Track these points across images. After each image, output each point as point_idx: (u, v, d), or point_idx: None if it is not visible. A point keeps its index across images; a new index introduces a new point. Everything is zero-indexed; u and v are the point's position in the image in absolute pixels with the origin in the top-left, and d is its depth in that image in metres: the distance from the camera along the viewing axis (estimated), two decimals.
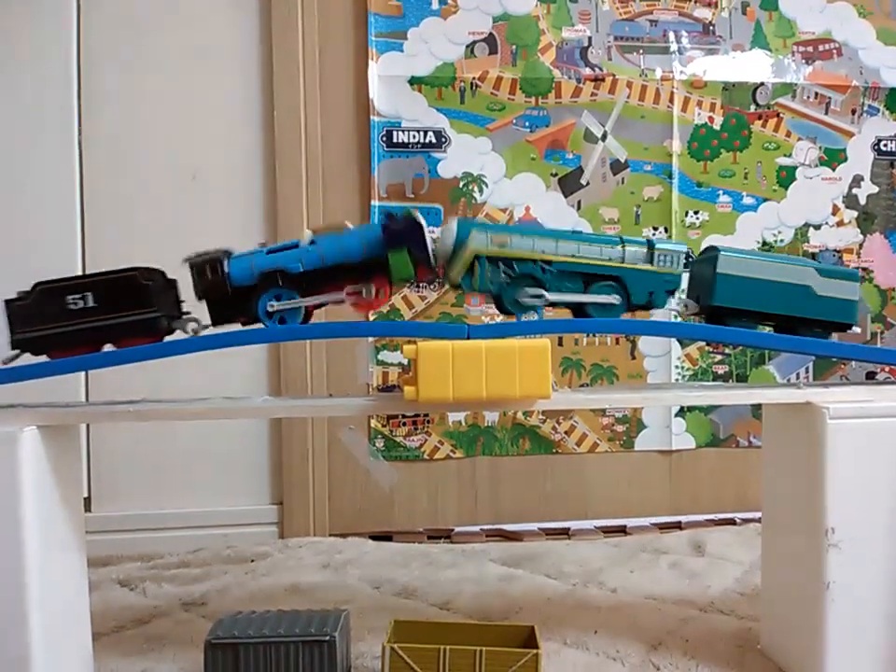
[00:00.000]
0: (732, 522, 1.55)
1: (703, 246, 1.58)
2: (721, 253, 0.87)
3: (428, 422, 1.52)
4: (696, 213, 1.56)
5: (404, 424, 1.52)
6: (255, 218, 1.48)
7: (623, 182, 1.55)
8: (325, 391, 1.47)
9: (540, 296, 0.86)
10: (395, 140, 1.50)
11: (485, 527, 1.55)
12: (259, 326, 0.85)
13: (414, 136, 1.51)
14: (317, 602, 1.14)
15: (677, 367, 1.54)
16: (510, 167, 1.53)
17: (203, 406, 0.83)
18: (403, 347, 0.79)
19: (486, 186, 1.52)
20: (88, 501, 1.46)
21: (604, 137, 1.55)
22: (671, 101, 1.55)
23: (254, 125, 1.48)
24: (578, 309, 0.88)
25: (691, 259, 0.90)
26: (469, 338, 0.85)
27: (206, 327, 0.86)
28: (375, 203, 1.50)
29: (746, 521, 1.54)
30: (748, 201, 1.58)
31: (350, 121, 1.50)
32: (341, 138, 1.50)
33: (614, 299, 0.87)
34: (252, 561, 1.33)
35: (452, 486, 1.55)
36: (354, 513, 1.52)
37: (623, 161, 1.55)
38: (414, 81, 1.50)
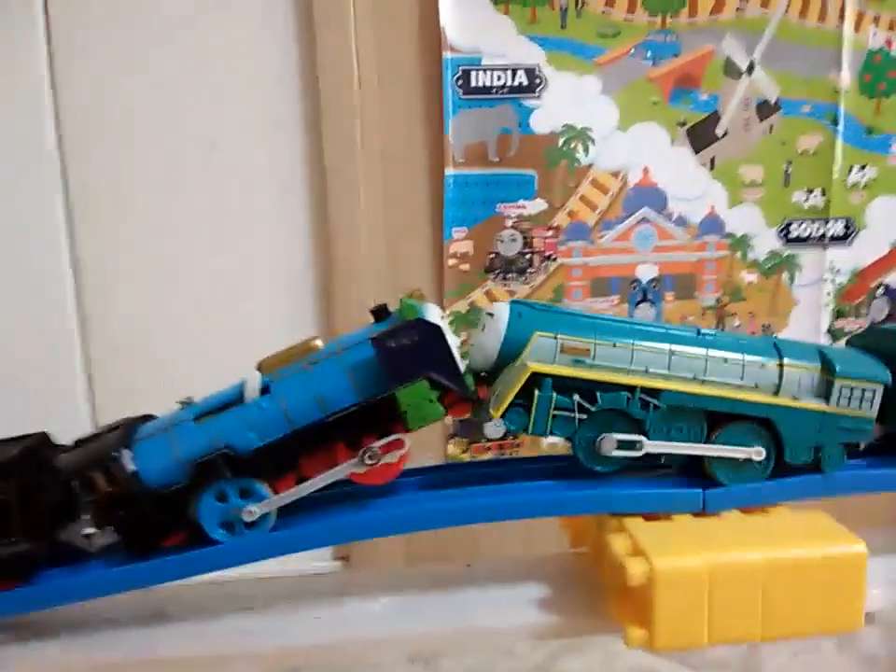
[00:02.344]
0: None
1: (869, 210, 1.27)
2: None
3: (517, 446, 1.23)
4: (863, 168, 1.20)
5: (489, 448, 1.23)
6: (295, 197, 1.11)
7: (771, 130, 1.18)
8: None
9: (636, 444, 0.53)
10: (474, 83, 1.11)
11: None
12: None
13: (500, 78, 1.11)
14: None
15: None
16: (624, 115, 1.15)
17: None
18: (625, 562, 0.48)
19: (593, 143, 1.15)
20: None
21: (751, 69, 1.16)
22: (841, 16, 1.15)
23: (290, 70, 1.08)
24: (687, 464, 0.55)
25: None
26: (704, 511, 0.54)
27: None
28: (450, 170, 1.13)
29: None
30: None
31: (415, 59, 1.10)
32: (403, 84, 1.11)
33: (756, 453, 0.53)
34: None
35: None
36: (433, 555, 1.26)
37: (773, 101, 1.17)
38: (500, 0, 1.09)
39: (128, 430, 0.53)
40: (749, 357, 0.54)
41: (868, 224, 1.22)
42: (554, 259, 1.18)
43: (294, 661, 0.52)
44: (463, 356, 0.54)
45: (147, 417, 0.55)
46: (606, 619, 0.52)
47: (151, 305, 1.08)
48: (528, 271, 1.17)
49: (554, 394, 0.52)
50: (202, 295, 1.09)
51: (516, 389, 0.51)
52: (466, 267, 1.16)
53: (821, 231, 1.21)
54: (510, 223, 1.16)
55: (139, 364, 1.08)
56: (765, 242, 1.21)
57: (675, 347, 0.53)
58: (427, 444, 1.20)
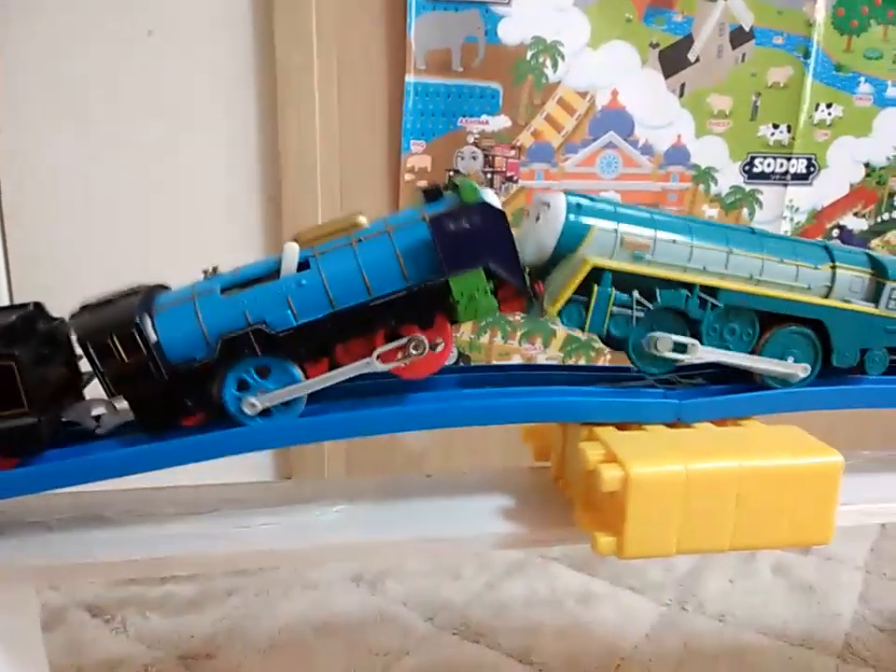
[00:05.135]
0: None
1: (831, 149, 1.26)
2: None
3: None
4: (829, 106, 1.19)
5: None
6: (243, 100, 1.03)
7: (742, 59, 1.15)
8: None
9: (686, 348, 0.50)
10: None
11: None
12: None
13: None
14: (360, 653, 0.88)
15: None
16: (596, 31, 1.10)
17: (230, 549, 0.48)
18: (599, 469, 0.46)
19: (563, 58, 1.10)
20: None
21: None
22: None
23: None
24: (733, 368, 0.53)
25: None
26: (678, 421, 0.52)
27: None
28: (410, 78, 1.06)
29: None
30: (892, 93, 1.20)
31: None
32: None
33: (803, 369, 0.52)
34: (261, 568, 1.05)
35: (494, 439, 1.26)
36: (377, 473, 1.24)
37: (747, 28, 1.14)
38: None
39: (147, 297, 0.47)
40: (802, 259, 0.52)
41: (829, 164, 1.21)
42: (516, 181, 1.14)
43: (239, 566, 0.48)
44: None
45: (161, 287, 0.49)
46: (570, 529, 0.50)
47: (77, 199, 1.00)
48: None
49: (614, 290, 0.49)
50: (136, 194, 1.01)
51: (576, 284, 0.48)
52: (423, 183, 1.11)
53: (784, 169, 1.20)
54: (471, 139, 1.11)
55: (63, 264, 1.00)
56: (728, 176, 1.19)
57: (733, 247, 0.51)
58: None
